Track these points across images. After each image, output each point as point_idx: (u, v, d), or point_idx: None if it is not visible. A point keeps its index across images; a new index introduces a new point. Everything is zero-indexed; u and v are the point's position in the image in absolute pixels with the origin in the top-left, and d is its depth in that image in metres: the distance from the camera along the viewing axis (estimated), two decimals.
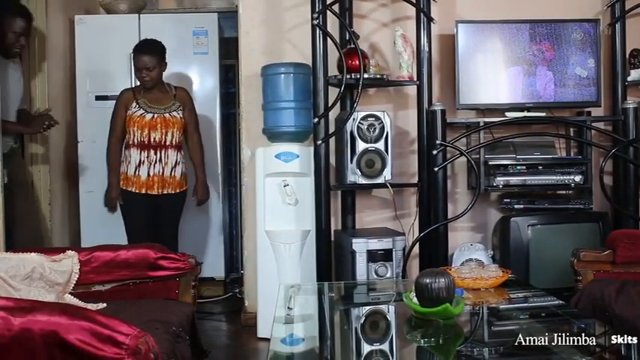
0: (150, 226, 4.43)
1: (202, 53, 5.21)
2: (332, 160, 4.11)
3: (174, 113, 4.43)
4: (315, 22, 3.89)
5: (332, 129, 4.03)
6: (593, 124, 4.23)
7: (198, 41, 5.19)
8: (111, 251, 2.93)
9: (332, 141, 4.06)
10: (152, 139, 4.37)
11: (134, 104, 4.39)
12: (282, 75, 4.09)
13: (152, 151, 4.38)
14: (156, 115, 4.38)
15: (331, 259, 4.01)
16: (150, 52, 4.34)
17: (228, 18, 5.46)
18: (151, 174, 4.39)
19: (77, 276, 2.80)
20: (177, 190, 4.49)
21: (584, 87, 4.22)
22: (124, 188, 4.42)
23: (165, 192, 4.43)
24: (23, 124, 4.38)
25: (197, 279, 3.04)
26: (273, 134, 4.14)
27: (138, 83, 4.53)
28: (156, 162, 4.39)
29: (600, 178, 4.08)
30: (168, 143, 4.41)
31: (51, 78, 4.82)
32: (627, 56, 4.28)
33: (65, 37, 5.14)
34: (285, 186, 4.04)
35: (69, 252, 2.84)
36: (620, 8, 4.24)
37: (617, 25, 4.24)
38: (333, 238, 4.08)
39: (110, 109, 4.53)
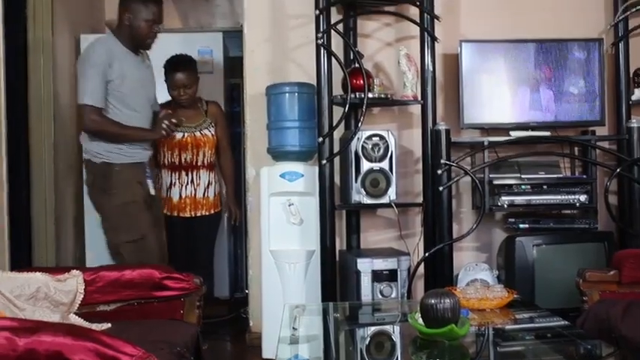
0: (184, 250, 4.32)
1: (207, 72, 5.23)
2: (336, 179, 4.11)
3: (206, 131, 4.34)
4: (320, 41, 3.91)
5: (336, 148, 4.04)
6: (597, 143, 4.23)
7: (203, 60, 5.21)
8: (116, 271, 2.93)
9: (336, 160, 4.07)
10: (183, 160, 4.30)
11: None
12: (287, 94, 4.10)
13: (183, 172, 4.30)
14: (186, 135, 4.28)
15: (336, 279, 4.01)
16: (185, 68, 4.26)
17: (233, 37, 5.49)
18: (183, 196, 4.31)
19: (82, 296, 2.79)
20: (212, 212, 4.41)
21: (589, 106, 4.23)
22: None
23: (198, 214, 4.35)
24: (145, 128, 3.88)
25: (202, 299, 3.03)
26: (277, 153, 4.15)
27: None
28: (188, 183, 4.30)
29: (605, 197, 4.08)
30: (200, 163, 4.33)
31: (57, 96, 4.83)
32: (631, 75, 4.29)
33: (71, 55, 5.16)
34: (289, 205, 4.04)
35: (74, 271, 2.83)
36: (623, 28, 4.25)
37: (621, 45, 4.25)
38: (337, 258, 4.08)
39: None
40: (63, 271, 2.83)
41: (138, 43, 3.76)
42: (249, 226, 4.48)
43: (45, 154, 4.70)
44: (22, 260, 4.40)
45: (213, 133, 4.36)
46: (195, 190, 4.31)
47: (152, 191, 3.81)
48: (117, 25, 3.80)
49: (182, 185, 4.29)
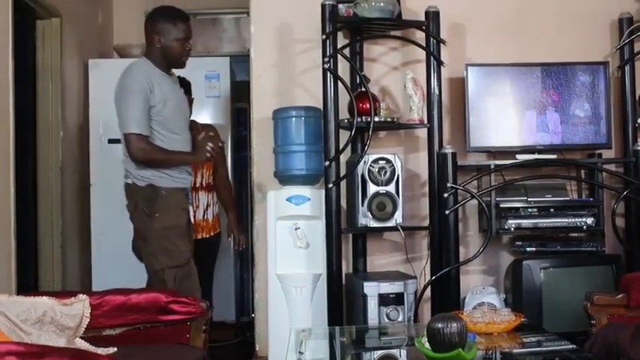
0: None
1: (214, 96, 5.26)
2: (343, 203, 4.12)
3: None
4: (326, 66, 3.93)
5: (343, 172, 4.05)
6: (604, 165, 4.22)
7: (210, 85, 5.25)
8: (122, 295, 2.92)
9: (343, 184, 4.07)
10: None
11: None
12: (294, 118, 4.11)
13: None
14: None
15: (342, 302, 3.99)
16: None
17: (240, 62, 5.52)
18: None
19: (88, 320, 2.79)
20: (212, 234, 4.40)
21: (595, 129, 4.23)
22: None
23: (199, 237, 4.28)
24: (189, 152, 3.73)
25: (208, 323, 3.02)
26: (284, 177, 4.15)
27: None
28: None
29: (612, 220, 4.07)
30: (198, 185, 4.28)
31: (65, 120, 4.86)
32: (637, 98, 4.29)
33: (79, 80, 5.20)
34: (296, 229, 4.04)
35: (80, 296, 2.83)
36: (628, 51, 4.26)
37: (627, 68, 4.26)
38: (344, 282, 4.07)
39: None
40: (69, 295, 2.83)
41: (172, 63, 3.68)
42: (256, 249, 4.48)
43: (52, 178, 4.73)
44: (28, 284, 4.41)
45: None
46: (194, 212, 4.22)
47: (192, 218, 3.75)
48: (147, 49, 3.71)
49: None
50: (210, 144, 3.65)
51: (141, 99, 3.47)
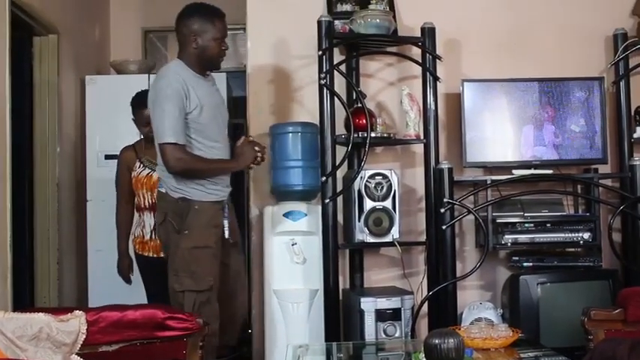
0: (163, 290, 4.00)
1: None
2: (340, 218, 4.11)
3: None
4: (323, 82, 3.95)
5: (340, 187, 4.05)
6: (600, 181, 4.24)
7: None
8: (118, 311, 2.91)
9: (340, 199, 4.07)
10: None
11: (137, 164, 4.08)
12: (290, 134, 4.12)
13: None
14: None
15: (339, 318, 3.99)
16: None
17: (237, 78, 5.53)
18: None
19: (84, 336, 2.78)
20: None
21: (591, 144, 4.24)
22: (141, 253, 4.11)
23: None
24: (230, 160, 3.55)
25: (205, 339, 3.01)
26: (281, 193, 4.16)
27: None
28: None
29: (609, 235, 4.07)
30: (143, 205, 4.06)
31: (62, 136, 4.87)
32: (633, 113, 4.31)
33: (76, 96, 5.21)
34: (293, 245, 4.03)
35: (76, 312, 2.82)
36: (623, 66, 4.28)
37: (622, 83, 4.28)
38: (341, 297, 4.06)
39: None
40: (65, 312, 2.82)
41: (209, 64, 3.49)
42: (252, 265, 4.47)
43: (49, 194, 4.72)
44: (24, 300, 4.40)
45: None
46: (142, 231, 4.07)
47: (227, 234, 3.47)
48: (181, 50, 3.49)
49: None
50: (256, 148, 3.47)
51: (176, 106, 3.26)
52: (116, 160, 4.32)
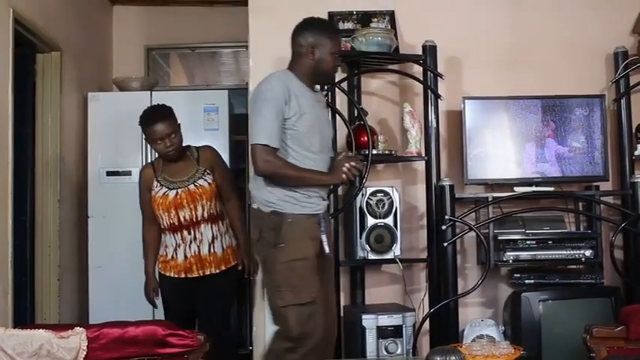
0: (191, 313, 3.95)
1: (213, 129, 5.27)
2: (341, 235, 4.11)
3: (201, 181, 3.85)
4: (325, 99, 3.96)
5: (341, 204, 4.05)
6: (601, 198, 4.24)
7: (208, 117, 5.26)
8: (119, 328, 2.90)
9: (341, 216, 4.08)
10: (182, 219, 3.82)
11: (155, 183, 3.88)
12: None
13: (185, 232, 3.84)
14: (180, 191, 3.82)
15: (341, 335, 3.97)
16: (164, 117, 3.80)
17: (239, 95, 5.55)
18: (188, 255, 3.84)
19: (85, 353, 2.77)
20: (223, 268, 3.90)
21: (592, 161, 4.25)
22: (163, 273, 3.95)
23: (206, 272, 3.87)
24: (323, 172, 3.41)
25: (206, 356, 3.01)
26: None
27: (155, 156, 4.10)
28: (191, 242, 3.84)
29: (611, 252, 4.07)
30: (200, 218, 3.84)
31: (64, 153, 4.88)
32: (634, 131, 4.32)
33: (79, 113, 5.22)
34: None
35: (77, 329, 2.82)
36: (624, 84, 4.30)
37: (623, 101, 4.30)
38: (342, 314, 4.05)
39: (121, 185, 4.54)
40: (66, 328, 2.81)
41: (323, 78, 3.49)
42: (253, 281, 4.47)
43: (50, 210, 4.72)
44: (24, 316, 4.39)
45: (210, 181, 3.87)
46: (198, 247, 3.85)
47: (327, 249, 3.34)
48: (293, 61, 3.42)
49: (186, 245, 3.84)
50: (346, 164, 3.31)
51: (274, 109, 3.22)
52: (118, 177, 4.30)
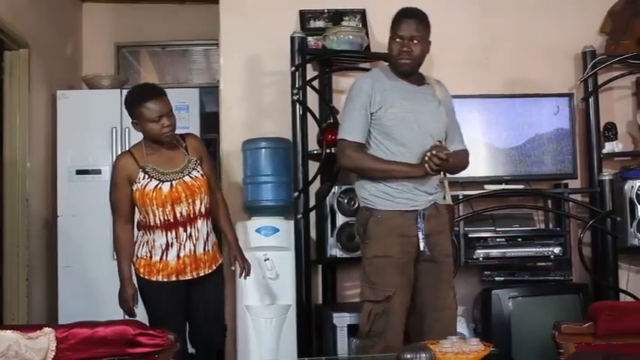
0: (184, 319, 3.47)
1: (184, 127, 5.21)
2: (312, 233, 4.12)
3: (195, 172, 3.41)
4: (295, 97, 3.96)
5: (312, 203, 4.05)
6: (570, 195, 4.28)
7: (179, 116, 5.13)
8: (88, 328, 2.88)
9: (312, 215, 4.08)
10: (179, 215, 3.35)
11: (141, 175, 3.34)
12: (263, 149, 4.13)
13: (181, 229, 3.37)
14: (175, 183, 3.35)
15: (312, 333, 3.98)
16: (162, 92, 3.38)
17: (209, 93, 5.53)
18: (181, 256, 3.37)
19: (54, 354, 2.74)
20: (214, 267, 3.48)
21: (561, 159, 4.30)
22: (148, 278, 3.39)
23: (200, 274, 3.42)
24: (407, 163, 3.21)
25: (176, 355, 2.99)
26: (253, 208, 4.15)
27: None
28: (186, 240, 3.38)
29: (579, 249, 4.12)
30: (197, 213, 3.40)
31: (32, 152, 4.82)
32: (602, 129, 4.37)
33: (47, 111, 5.16)
34: (265, 260, 4.02)
35: (46, 329, 2.79)
36: (592, 83, 4.35)
37: (591, 100, 4.34)
38: (313, 313, 4.05)
39: (91, 184, 4.47)
40: (34, 329, 2.78)
41: (396, 67, 3.30)
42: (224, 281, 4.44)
43: (18, 210, 4.66)
44: None
45: (202, 172, 3.44)
46: (194, 246, 3.39)
47: (422, 246, 3.19)
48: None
49: (180, 244, 3.37)
50: (433, 152, 3.10)
51: (358, 104, 3.22)
52: (87, 175, 4.18)
